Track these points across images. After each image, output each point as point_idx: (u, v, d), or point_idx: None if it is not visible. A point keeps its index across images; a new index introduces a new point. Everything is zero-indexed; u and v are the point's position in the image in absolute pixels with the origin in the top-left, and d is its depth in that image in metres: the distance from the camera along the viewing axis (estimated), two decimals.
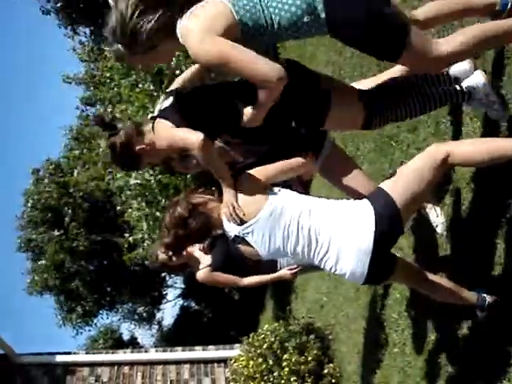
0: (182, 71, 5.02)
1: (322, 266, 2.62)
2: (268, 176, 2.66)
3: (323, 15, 2.32)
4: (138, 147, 2.79)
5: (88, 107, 14.36)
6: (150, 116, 3.02)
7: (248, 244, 2.65)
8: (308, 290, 6.84)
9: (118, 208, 10.04)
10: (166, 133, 2.72)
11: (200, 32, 2.28)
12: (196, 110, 2.75)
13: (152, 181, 7.62)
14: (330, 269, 2.57)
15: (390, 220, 2.47)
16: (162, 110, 2.83)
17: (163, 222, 2.87)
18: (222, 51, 2.28)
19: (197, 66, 3.00)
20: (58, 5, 16.10)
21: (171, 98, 2.84)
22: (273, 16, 2.34)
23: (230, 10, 2.32)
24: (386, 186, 2.52)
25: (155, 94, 7.87)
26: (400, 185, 2.48)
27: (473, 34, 2.45)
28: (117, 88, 8.62)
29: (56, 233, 11.74)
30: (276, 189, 2.64)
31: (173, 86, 3.00)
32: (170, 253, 3.63)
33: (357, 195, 2.93)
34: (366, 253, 2.45)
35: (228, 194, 2.62)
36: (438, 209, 3.42)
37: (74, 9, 16.13)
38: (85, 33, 17.45)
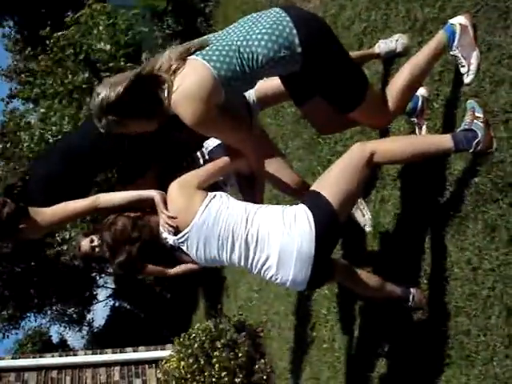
0: None
1: (261, 275, 2.55)
2: (199, 180, 2.59)
3: (299, 50, 2.39)
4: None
5: (13, 100, 13.88)
6: None
7: (185, 252, 2.60)
8: (240, 288, 6.82)
9: None
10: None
11: (190, 104, 2.36)
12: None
13: None
14: (271, 278, 2.51)
15: (330, 223, 2.45)
16: None
17: (103, 242, 2.76)
18: (210, 125, 2.44)
19: None
20: None
21: None
22: (250, 56, 2.39)
23: (208, 68, 2.36)
24: (319, 188, 2.49)
25: (84, 86, 7.68)
26: (332, 186, 2.47)
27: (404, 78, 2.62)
28: (42, 85, 8.36)
29: None
30: (211, 194, 2.55)
31: None
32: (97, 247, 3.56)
33: (282, 185, 2.95)
34: (308, 259, 2.41)
35: (158, 204, 2.61)
36: (364, 206, 3.47)
37: None
38: (9, 26, 16.90)
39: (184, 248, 2.57)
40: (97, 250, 3.58)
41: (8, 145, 9.60)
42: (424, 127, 2.96)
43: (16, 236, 2.94)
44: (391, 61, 3.38)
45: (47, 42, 8.33)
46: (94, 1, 8.71)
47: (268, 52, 2.39)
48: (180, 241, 2.55)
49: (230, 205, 2.53)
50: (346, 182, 2.46)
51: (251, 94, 3.07)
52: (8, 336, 14.28)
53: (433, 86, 2.92)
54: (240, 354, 5.35)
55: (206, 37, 2.56)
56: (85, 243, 3.64)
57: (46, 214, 2.79)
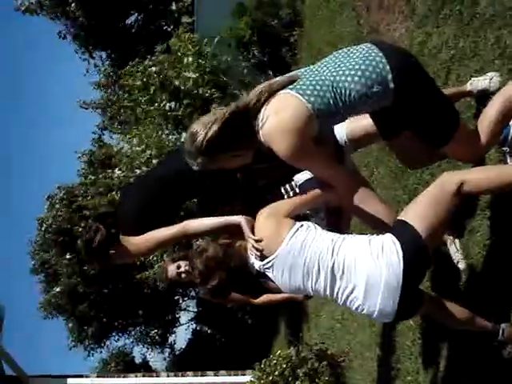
0: None
1: (347, 306, 2.52)
2: (288, 209, 2.62)
3: (392, 85, 2.41)
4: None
5: (104, 131, 14.51)
6: None
7: (270, 279, 2.62)
8: (322, 316, 6.77)
9: None
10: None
11: (286, 138, 2.40)
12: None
13: None
14: (357, 309, 2.48)
15: (418, 254, 2.40)
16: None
17: (195, 269, 2.80)
18: (304, 158, 2.46)
19: None
20: (74, 29, 16.36)
21: None
22: (343, 91, 2.42)
23: (302, 102, 2.41)
24: (407, 218, 2.45)
25: (169, 113, 7.93)
26: (421, 217, 2.42)
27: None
28: (133, 105, 8.70)
29: (68, 256, 11.81)
30: (298, 224, 2.56)
31: None
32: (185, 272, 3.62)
33: (375, 222, 2.91)
34: (395, 290, 2.37)
35: (245, 229, 2.66)
36: (457, 242, 3.38)
37: (90, 33, 16.38)
38: (101, 56, 17.70)
39: (270, 274, 2.59)
40: (183, 276, 3.65)
41: (100, 176, 10.05)
42: None
43: (105, 262, 3.11)
44: (484, 100, 3.28)
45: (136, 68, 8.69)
46: (182, 31, 9.02)
47: (361, 88, 2.41)
48: (266, 267, 2.57)
49: (316, 234, 2.53)
50: (435, 213, 2.41)
51: (343, 136, 3.08)
52: (93, 354, 14.69)
53: None
54: None
55: (295, 72, 2.60)
56: (172, 269, 3.73)
57: (137, 241, 2.90)
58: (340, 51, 2.60)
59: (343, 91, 2.42)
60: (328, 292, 2.51)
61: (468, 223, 3.33)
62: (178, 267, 3.67)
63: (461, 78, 3.53)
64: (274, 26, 9.45)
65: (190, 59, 8.09)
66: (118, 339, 15.38)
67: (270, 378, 5.33)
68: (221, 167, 2.59)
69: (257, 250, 2.56)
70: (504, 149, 2.93)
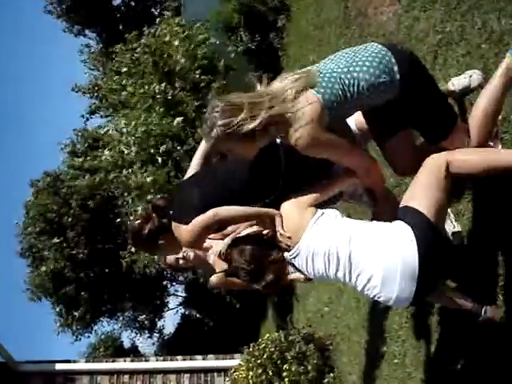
0: None
1: (365, 293, 2.57)
2: (310, 198, 2.68)
3: (398, 76, 2.52)
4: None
5: (93, 116, 14.34)
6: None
7: (298, 269, 2.68)
8: (309, 300, 6.81)
9: (122, 211, 10.06)
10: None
11: (307, 136, 2.47)
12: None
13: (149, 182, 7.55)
14: (374, 296, 2.53)
15: (431, 236, 2.43)
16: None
17: (232, 261, 2.78)
18: (320, 146, 2.53)
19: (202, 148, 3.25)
20: (64, 7, 16.21)
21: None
22: (352, 81, 2.50)
23: (312, 93, 2.49)
24: (410, 203, 2.49)
25: (159, 96, 7.88)
26: (422, 199, 2.46)
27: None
28: (120, 88, 8.63)
29: (56, 240, 11.77)
30: (319, 212, 2.63)
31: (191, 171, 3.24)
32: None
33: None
34: (412, 276, 2.39)
35: (278, 223, 2.70)
36: (452, 217, 3.39)
37: (80, 12, 16.26)
38: (90, 38, 17.59)
39: (296, 264, 2.66)
40: (181, 262, 3.65)
41: (88, 157, 10.00)
42: (500, 146, 2.91)
43: (154, 251, 3.23)
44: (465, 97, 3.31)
45: (128, 46, 8.61)
46: (169, 16, 8.95)
47: (370, 77, 2.50)
48: (292, 256, 2.64)
49: (336, 222, 2.59)
50: (433, 193, 2.46)
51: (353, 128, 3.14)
52: (81, 339, 14.67)
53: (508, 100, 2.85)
54: (309, 368, 5.35)
55: (306, 68, 2.66)
56: (170, 255, 3.72)
57: (185, 230, 2.89)
58: (345, 50, 2.70)
59: (352, 81, 2.50)
60: (347, 280, 2.56)
61: (455, 206, 3.36)
62: (177, 253, 3.67)
63: (448, 63, 3.54)
64: (262, 10, 9.40)
65: (178, 42, 8.04)
66: (107, 324, 15.40)
67: (259, 361, 5.36)
68: (225, 150, 2.67)
69: (284, 242, 2.64)
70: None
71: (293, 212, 2.64)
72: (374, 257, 2.45)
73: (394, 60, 2.52)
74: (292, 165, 2.81)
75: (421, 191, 2.49)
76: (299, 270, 2.69)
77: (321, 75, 2.53)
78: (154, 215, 3.04)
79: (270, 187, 2.86)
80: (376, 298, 2.53)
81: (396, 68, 2.51)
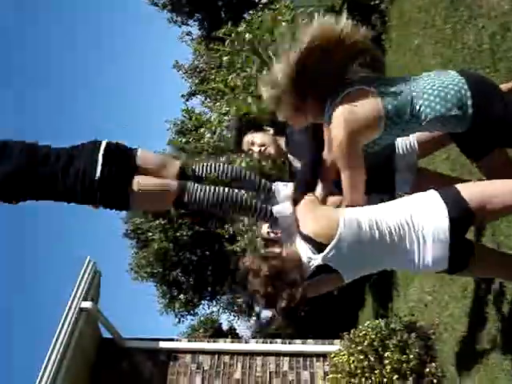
0: None
1: (407, 267, 2.64)
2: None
3: (470, 111, 2.52)
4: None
5: (193, 97, 14.68)
6: None
7: (331, 271, 2.64)
8: (411, 288, 6.69)
9: None
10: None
11: (348, 135, 2.53)
12: None
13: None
14: (414, 266, 2.58)
15: (457, 203, 2.50)
16: None
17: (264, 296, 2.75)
18: (349, 163, 2.60)
19: None
20: None
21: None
22: (420, 108, 2.55)
23: (379, 103, 2.55)
24: (458, 186, 2.57)
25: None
26: (477, 188, 2.56)
27: None
28: (224, 76, 8.75)
29: (161, 221, 12.13)
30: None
31: None
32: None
33: None
34: (445, 236, 2.48)
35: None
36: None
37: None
38: (192, 26, 17.93)
39: (332, 264, 2.60)
40: (271, 235, 3.69)
41: (190, 140, 10.23)
42: None
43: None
44: None
45: (228, 37, 8.72)
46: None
47: (440, 108, 2.52)
48: (329, 256, 2.58)
49: (364, 209, 2.64)
50: (494, 191, 2.52)
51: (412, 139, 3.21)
52: (183, 321, 15.13)
53: None
54: (411, 357, 5.28)
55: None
56: (264, 228, 3.78)
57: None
58: (427, 73, 2.71)
59: (420, 108, 2.53)
60: (389, 257, 2.60)
61: None
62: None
63: None
64: None
65: (282, 28, 8.03)
66: (207, 306, 15.80)
67: (360, 347, 5.35)
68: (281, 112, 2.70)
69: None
70: None
71: (315, 214, 2.69)
72: (410, 227, 2.53)
73: (469, 93, 2.53)
74: None
75: (480, 184, 2.60)
76: (333, 271, 2.63)
77: (393, 85, 2.59)
78: None
79: None
80: (416, 266, 2.57)
81: (469, 102, 2.51)
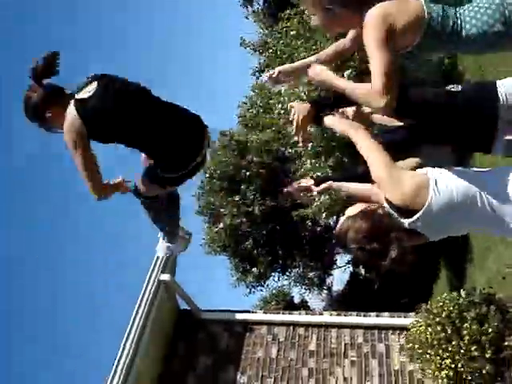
0: None
1: (507, 235, 2.54)
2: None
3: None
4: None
5: (262, 74, 14.63)
6: None
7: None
8: (488, 261, 6.59)
9: (293, 168, 10.25)
10: None
11: (376, 26, 2.37)
12: None
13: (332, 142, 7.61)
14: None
15: None
16: None
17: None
18: (381, 51, 2.37)
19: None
20: None
21: None
22: (463, 24, 2.40)
23: (423, 7, 2.40)
24: None
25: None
26: None
27: None
28: (290, 50, 8.74)
29: (235, 198, 12.27)
30: (428, 170, 2.55)
31: None
32: None
33: None
34: None
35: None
36: None
37: None
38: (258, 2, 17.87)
39: (419, 229, 2.53)
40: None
41: (260, 111, 10.25)
42: None
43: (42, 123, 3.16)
44: None
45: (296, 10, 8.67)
46: None
47: (482, 25, 2.37)
48: (417, 222, 2.50)
49: (450, 174, 2.51)
50: None
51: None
52: (254, 292, 15.33)
53: None
54: (490, 330, 5.21)
55: None
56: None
57: None
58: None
59: (463, 25, 2.39)
60: (483, 221, 2.49)
61: None
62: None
63: None
64: None
65: None
66: (278, 279, 15.92)
67: (437, 319, 5.32)
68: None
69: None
70: None
71: (402, 179, 2.50)
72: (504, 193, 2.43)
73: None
74: None
75: None
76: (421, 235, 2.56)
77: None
78: (37, 86, 2.99)
79: None
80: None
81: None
